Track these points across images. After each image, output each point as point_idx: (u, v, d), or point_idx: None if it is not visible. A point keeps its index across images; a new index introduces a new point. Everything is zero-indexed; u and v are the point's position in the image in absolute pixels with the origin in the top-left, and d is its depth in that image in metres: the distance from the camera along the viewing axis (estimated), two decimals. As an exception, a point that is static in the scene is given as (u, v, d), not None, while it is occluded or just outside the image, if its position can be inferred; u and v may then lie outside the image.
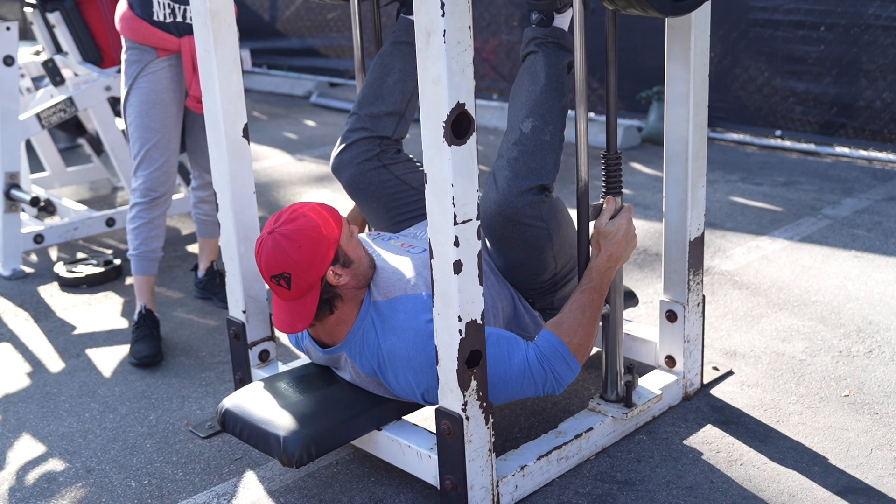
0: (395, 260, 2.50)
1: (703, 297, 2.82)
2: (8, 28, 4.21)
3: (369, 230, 3.17)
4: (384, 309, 2.37)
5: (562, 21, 2.57)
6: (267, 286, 2.44)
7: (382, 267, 2.47)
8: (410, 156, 2.88)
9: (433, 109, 2.00)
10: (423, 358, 2.29)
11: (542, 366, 2.33)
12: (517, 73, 2.62)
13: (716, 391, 2.91)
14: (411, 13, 2.63)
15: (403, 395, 2.41)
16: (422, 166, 2.82)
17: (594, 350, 3.19)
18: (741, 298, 3.59)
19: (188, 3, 3.37)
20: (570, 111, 2.54)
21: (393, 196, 2.78)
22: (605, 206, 2.49)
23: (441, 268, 2.10)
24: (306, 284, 2.28)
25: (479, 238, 2.10)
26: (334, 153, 2.82)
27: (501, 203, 2.44)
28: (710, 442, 2.64)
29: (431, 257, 2.11)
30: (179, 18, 3.39)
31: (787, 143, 5.69)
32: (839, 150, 5.47)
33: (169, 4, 3.37)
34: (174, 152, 3.49)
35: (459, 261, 2.07)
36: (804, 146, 5.61)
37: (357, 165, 2.76)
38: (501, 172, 2.46)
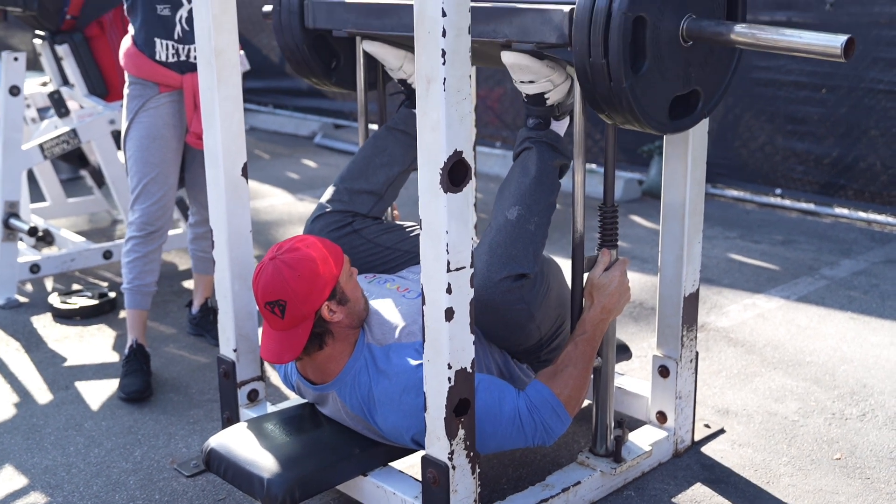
0: (391, 305, 2.50)
1: (697, 353, 2.81)
2: (16, 59, 4.25)
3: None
4: (378, 354, 2.36)
5: (559, 127, 2.57)
6: (260, 316, 2.42)
7: (378, 311, 2.46)
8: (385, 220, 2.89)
9: (431, 156, 2.00)
10: (414, 402, 2.27)
11: (532, 417, 2.31)
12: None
13: (706, 449, 2.89)
14: (415, 107, 2.65)
15: (392, 438, 2.39)
16: (404, 225, 2.84)
17: (585, 402, 3.17)
18: (736, 356, 3.58)
19: (192, 43, 3.40)
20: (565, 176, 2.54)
21: (367, 259, 2.76)
22: (599, 257, 2.48)
23: (433, 314, 2.09)
24: (300, 315, 2.27)
25: (471, 286, 2.09)
26: (308, 220, 2.81)
27: (480, 290, 2.33)
28: (699, 501, 2.61)
29: (424, 304, 2.11)
30: (183, 57, 3.42)
31: (787, 202, 5.71)
32: (838, 210, 5.48)
33: (173, 45, 3.40)
34: (172, 187, 3.50)
35: (451, 308, 2.06)
36: (804, 205, 5.63)
37: (326, 234, 2.73)
38: (481, 258, 2.39)
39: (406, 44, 2.79)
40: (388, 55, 2.82)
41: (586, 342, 2.42)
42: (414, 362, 2.30)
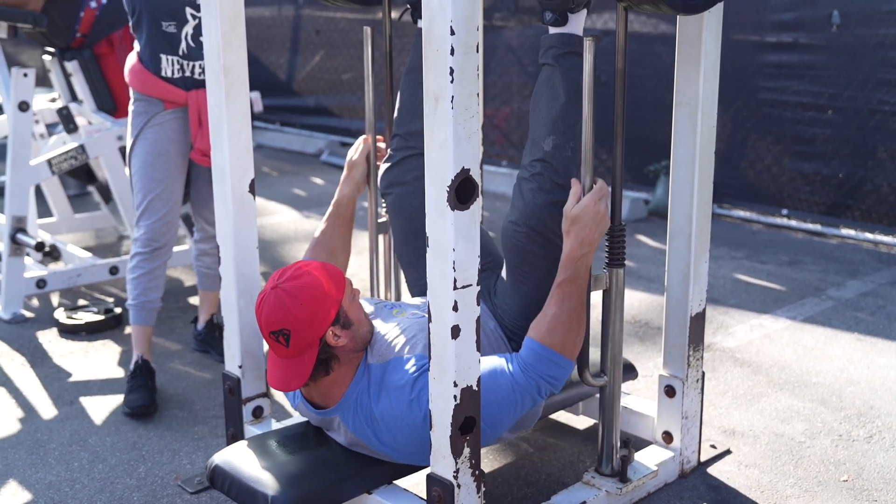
0: (393, 324, 2.49)
1: (703, 373, 2.80)
2: (25, 75, 4.27)
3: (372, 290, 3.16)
4: (377, 372, 2.36)
5: (576, 21, 2.52)
6: (265, 342, 2.42)
7: (380, 330, 2.46)
8: None
9: (438, 173, 2.01)
10: (414, 417, 2.26)
11: (526, 375, 2.32)
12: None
13: (713, 470, 2.87)
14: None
15: (396, 457, 2.38)
16: None
17: (591, 422, 3.16)
18: (742, 376, 3.56)
19: (197, 59, 3.41)
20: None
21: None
22: (572, 189, 2.42)
23: (439, 332, 2.09)
24: (305, 343, 2.27)
25: (478, 304, 2.09)
26: (382, 171, 2.85)
27: (528, 214, 2.46)
28: (705, 522, 2.60)
29: (430, 321, 2.10)
30: (188, 73, 3.43)
31: (794, 223, 5.70)
32: (845, 231, 5.47)
33: (178, 61, 3.41)
34: (177, 204, 3.51)
35: (458, 326, 2.06)
36: (810, 226, 5.62)
37: (405, 184, 2.77)
38: (527, 185, 2.49)
39: None
40: None
41: (570, 282, 2.38)
42: (411, 377, 2.30)
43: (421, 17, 2.79)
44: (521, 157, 2.58)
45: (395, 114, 2.91)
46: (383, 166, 2.87)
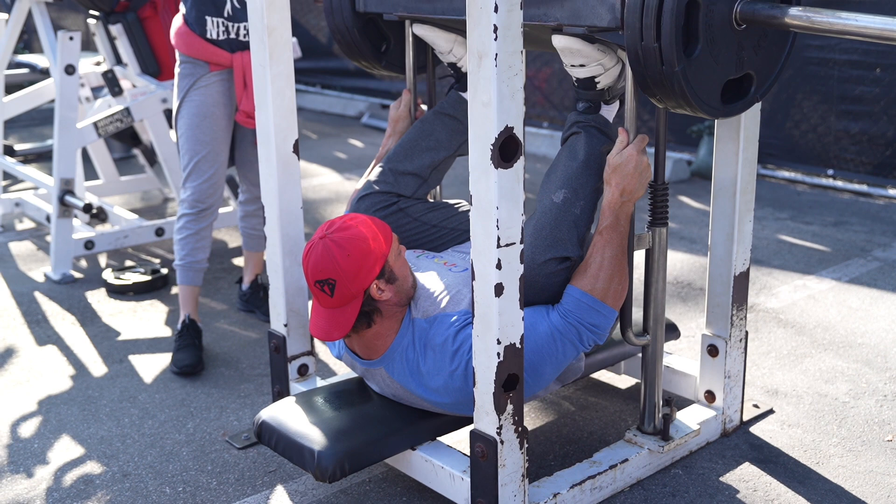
0: (436, 279, 2.51)
1: (746, 332, 2.79)
2: (71, 38, 4.31)
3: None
4: (423, 327, 2.38)
5: (608, 112, 2.56)
6: (309, 293, 2.45)
7: (424, 286, 2.48)
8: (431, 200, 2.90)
9: (482, 132, 2.01)
10: (457, 367, 2.30)
11: (567, 321, 2.33)
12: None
13: (755, 429, 2.87)
14: (464, 90, 2.63)
15: (441, 407, 2.41)
16: (449, 203, 2.85)
17: (633, 381, 3.17)
18: (785, 337, 3.55)
19: (242, 21, 3.43)
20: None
21: (413, 237, 2.77)
22: (619, 137, 2.40)
23: (482, 290, 2.10)
24: (349, 294, 2.30)
25: (521, 262, 2.10)
26: (353, 200, 2.81)
27: (524, 271, 2.36)
28: (748, 480, 2.60)
29: (473, 279, 2.12)
30: (233, 35, 3.45)
31: (839, 183, 5.62)
32: (892, 192, 5.39)
33: (223, 23, 3.43)
34: (222, 165, 3.54)
35: (501, 284, 2.07)
36: (856, 187, 5.54)
37: (372, 213, 2.74)
38: (526, 240, 2.35)
39: (456, 27, 2.79)
40: (438, 38, 2.83)
41: (610, 229, 2.37)
42: (455, 325, 2.33)
43: (462, 90, 2.82)
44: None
45: (394, 147, 2.87)
46: (360, 192, 2.80)
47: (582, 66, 2.46)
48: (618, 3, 2.19)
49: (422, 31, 2.82)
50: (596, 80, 2.49)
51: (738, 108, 2.31)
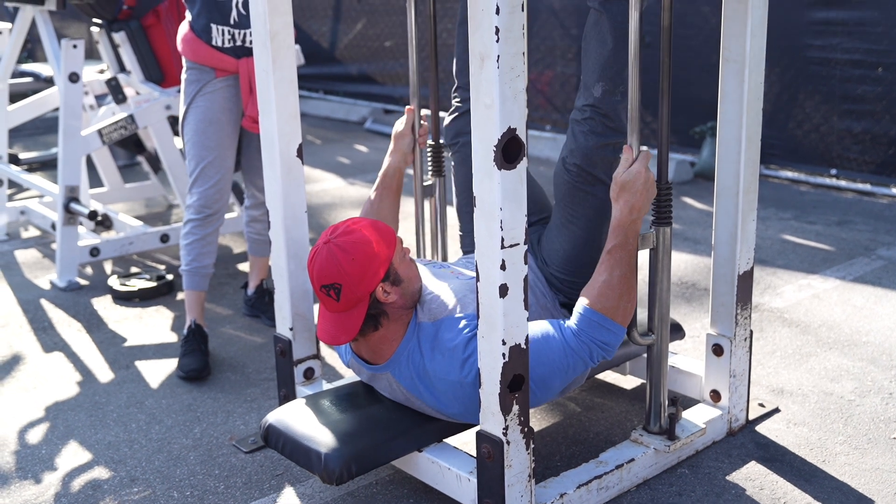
0: (443, 284, 2.52)
1: (751, 332, 2.80)
2: (75, 46, 4.33)
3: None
4: (430, 330, 2.39)
5: None
6: (315, 297, 2.47)
7: (430, 290, 2.49)
8: None
9: (484, 133, 2.02)
10: (467, 376, 2.30)
11: (579, 339, 2.34)
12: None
13: (761, 428, 2.88)
14: None
15: (448, 414, 2.42)
16: None
17: (638, 381, 3.17)
18: (790, 336, 3.55)
19: (247, 28, 3.45)
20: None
21: None
22: (623, 155, 2.43)
23: (487, 291, 2.11)
24: (355, 298, 2.30)
25: (525, 263, 2.11)
26: (447, 121, 2.95)
27: (579, 154, 2.56)
28: (754, 479, 2.60)
29: (478, 280, 2.13)
30: (238, 42, 3.47)
31: (843, 183, 5.62)
32: (895, 190, 5.39)
33: (229, 30, 3.45)
34: (229, 171, 3.56)
35: (505, 284, 2.08)
36: (859, 186, 5.54)
37: (470, 133, 2.80)
38: (579, 127, 2.57)
39: None
40: None
41: (620, 248, 2.39)
42: (466, 333, 2.34)
43: None
44: (574, 105, 2.65)
45: (455, 65, 2.98)
46: (448, 117, 2.95)
47: None
48: None
49: None
50: None
51: None
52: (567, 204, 2.64)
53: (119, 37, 4.52)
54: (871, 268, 4.26)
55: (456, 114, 2.96)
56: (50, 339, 3.81)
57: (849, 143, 5.57)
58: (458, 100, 2.96)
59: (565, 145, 2.64)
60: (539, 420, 2.98)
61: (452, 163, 3.01)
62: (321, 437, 2.41)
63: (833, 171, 5.68)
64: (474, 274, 2.51)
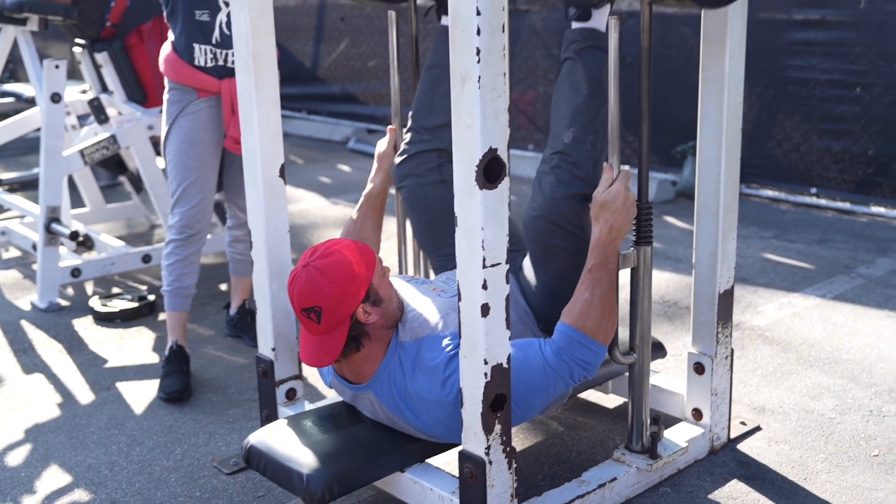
0: (424, 302, 2.52)
1: (732, 350, 2.81)
2: (57, 66, 4.32)
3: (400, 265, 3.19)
4: (411, 349, 2.39)
5: (599, 18, 2.55)
6: (296, 320, 2.46)
7: (411, 308, 2.49)
8: None
9: (466, 153, 2.03)
10: (448, 395, 2.30)
11: (560, 358, 2.34)
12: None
13: (743, 446, 2.89)
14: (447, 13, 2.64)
15: (430, 433, 2.41)
16: None
17: (621, 400, 3.18)
18: (771, 354, 3.57)
19: (229, 48, 3.45)
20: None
21: (446, 214, 2.79)
22: (603, 174, 2.43)
23: (469, 310, 2.12)
24: (336, 320, 2.30)
25: (507, 282, 2.11)
26: (395, 163, 2.89)
27: (547, 207, 2.50)
28: (736, 497, 2.61)
29: (459, 300, 2.13)
30: (221, 62, 3.47)
31: (823, 202, 5.67)
32: (875, 209, 5.44)
33: (211, 50, 3.46)
34: (211, 191, 3.55)
35: (487, 304, 2.08)
36: (839, 204, 5.59)
37: (418, 176, 2.80)
38: (546, 178, 2.53)
39: None
40: None
41: (600, 267, 2.39)
42: (447, 351, 2.33)
43: (446, 14, 2.82)
44: (542, 157, 2.61)
45: (412, 108, 2.93)
46: (397, 159, 2.90)
47: None
48: None
49: None
50: None
51: None
52: (539, 255, 2.59)
53: (101, 57, 4.52)
54: (851, 286, 4.28)
55: (405, 156, 2.89)
56: (30, 361, 3.78)
57: (828, 162, 5.62)
58: (407, 142, 2.90)
59: (532, 199, 2.58)
60: (521, 439, 2.98)
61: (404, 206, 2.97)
62: (303, 457, 2.40)
63: (813, 190, 5.73)
64: (455, 291, 2.52)
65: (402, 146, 2.91)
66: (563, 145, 2.51)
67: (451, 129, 2.77)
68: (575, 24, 2.56)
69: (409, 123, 2.91)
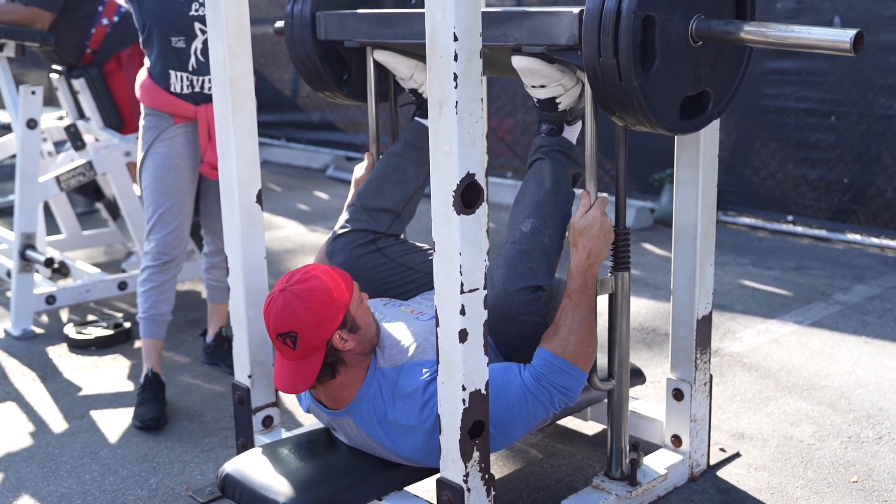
0: (403, 328, 2.51)
1: (711, 376, 2.81)
2: (33, 92, 4.30)
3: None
4: (391, 375, 2.37)
5: (571, 133, 2.61)
6: (273, 346, 2.44)
7: (389, 334, 2.47)
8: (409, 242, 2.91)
9: (443, 179, 2.03)
10: (426, 420, 2.28)
11: (540, 384, 2.32)
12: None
13: (722, 473, 2.88)
14: (426, 117, 2.68)
15: (409, 459, 2.39)
16: (425, 248, 2.85)
17: (600, 427, 3.17)
18: (750, 381, 3.57)
19: (206, 75, 3.45)
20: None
21: (389, 278, 2.78)
22: (581, 200, 2.44)
23: (447, 336, 2.10)
24: (312, 346, 2.28)
25: (485, 308, 2.10)
26: (329, 239, 2.83)
27: (496, 301, 2.41)
28: (716, 524, 2.60)
29: (437, 325, 2.12)
30: (197, 89, 3.47)
31: (799, 229, 5.70)
32: (851, 236, 5.48)
33: (187, 77, 3.45)
34: (187, 217, 3.53)
35: (465, 330, 2.07)
36: (816, 232, 5.62)
37: (350, 251, 2.76)
38: (497, 271, 2.46)
39: (417, 52, 2.82)
40: (399, 64, 2.85)
41: (579, 292, 2.39)
42: (425, 382, 2.32)
43: (424, 117, 2.85)
44: (525, 173, 2.61)
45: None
46: (334, 233, 2.84)
47: (542, 86, 2.49)
48: (575, 22, 2.23)
49: (383, 57, 2.85)
50: (557, 100, 2.53)
51: (696, 124, 2.34)
52: (497, 342, 2.52)
53: (79, 83, 4.50)
54: (828, 312, 4.30)
55: (343, 231, 2.80)
56: (2, 389, 3.73)
57: (804, 189, 5.66)
58: (346, 219, 2.83)
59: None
60: (500, 466, 2.96)
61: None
62: (279, 486, 2.37)
63: (790, 218, 5.77)
64: (434, 314, 2.51)
65: (341, 221, 2.84)
66: (521, 234, 2.49)
67: (391, 215, 2.82)
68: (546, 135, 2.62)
69: (352, 199, 2.88)
